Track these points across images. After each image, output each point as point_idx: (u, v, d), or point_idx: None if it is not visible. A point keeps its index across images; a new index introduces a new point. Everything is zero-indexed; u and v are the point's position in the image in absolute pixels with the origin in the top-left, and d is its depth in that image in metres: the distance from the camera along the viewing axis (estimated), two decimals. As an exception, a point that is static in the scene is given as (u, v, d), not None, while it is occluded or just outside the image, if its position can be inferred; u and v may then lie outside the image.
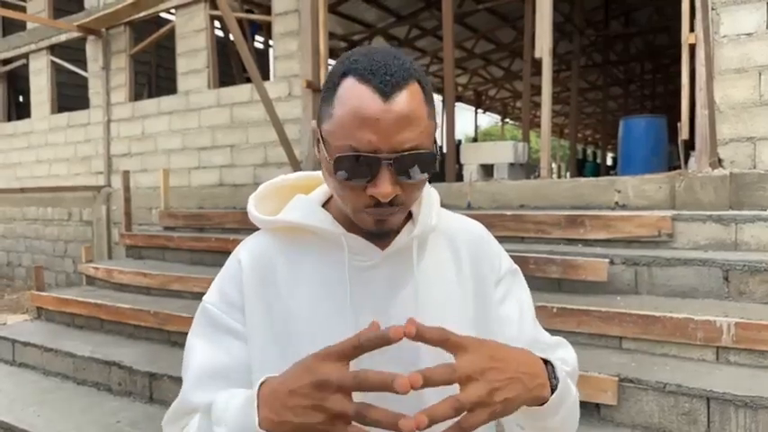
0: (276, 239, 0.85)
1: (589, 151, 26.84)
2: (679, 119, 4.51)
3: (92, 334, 4.50)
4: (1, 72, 10.37)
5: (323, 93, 0.75)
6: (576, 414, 0.81)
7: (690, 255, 3.21)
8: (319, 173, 0.84)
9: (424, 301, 0.80)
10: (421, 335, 0.59)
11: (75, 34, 8.60)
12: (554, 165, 20.75)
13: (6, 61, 10.25)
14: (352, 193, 0.73)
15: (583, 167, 15.05)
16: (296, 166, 5.94)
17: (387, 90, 0.68)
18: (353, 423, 0.59)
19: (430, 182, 0.85)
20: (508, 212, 4.18)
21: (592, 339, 2.96)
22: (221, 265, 0.88)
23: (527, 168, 7.59)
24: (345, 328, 0.75)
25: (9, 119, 10.57)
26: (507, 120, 24.39)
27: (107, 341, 4.24)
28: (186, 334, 0.86)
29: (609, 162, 18.12)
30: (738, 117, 4.14)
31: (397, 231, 0.81)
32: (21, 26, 10.05)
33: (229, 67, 8.89)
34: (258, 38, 11.84)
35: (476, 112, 19.98)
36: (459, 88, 17.64)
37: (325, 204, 0.85)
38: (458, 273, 0.86)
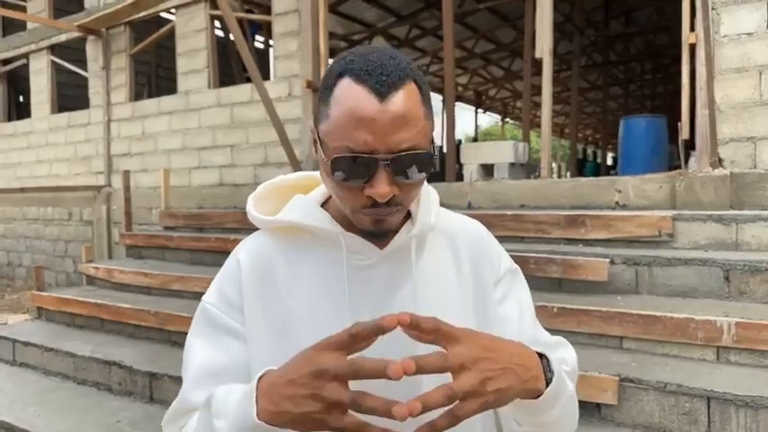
0: (275, 239, 0.85)
1: (589, 151, 26.86)
2: (679, 119, 4.51)
3: (92, 334, 4.50)
4: (1, 72, 10.38)
5: (319, 93, 0.75)
6: (575, 412, 0.81)
7: (690, 254, 3.21)
8: (318, 173, 0.84)
9: (423, 300, 0.80)
10: (415, 324, 0.60)
11: (76, 34, 8.60)
12: (554, 164, 20.76)
13: (6, 61, 10.25)
14: (349, 194, 0.73)
15: (583, 167, 15.05)
16: (296, 166, 5.94)
17: (383, 90, 0.68)
18: (350, 412, 0.59)
19: (430, 181, 0.85)
20: (508, 212, 4.18)
21: (592, 339, 2.96)
22: (221, 264, 0.88)
23: (527, 168, 7.59)
24: (344, 326, 0.75)
25: (9, 119, 10.57)
26: (507, 119, 24.39)
27: (107, 341, 4.24)
28: (186, 334, 0.86)
29: (609, 162, 18.12)
30: (739, 117, 4.14)
31: (396, 230, 0.81)
32: (21, 26, 10.06)
33: (229, 67, 8.89)
34: (258, 38, 11.84)
35: (476, 112, 19.98)
36: (460, 88, 17.64)
37: (324, 204, 0.85)
38: (457, 272, 0.86)
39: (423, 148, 0.71)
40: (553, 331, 0.94)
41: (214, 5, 7.20)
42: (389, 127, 0.68)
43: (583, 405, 2.55)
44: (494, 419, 0.84)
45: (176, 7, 7.73)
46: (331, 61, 0.77)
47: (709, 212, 3.54)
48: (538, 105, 16.74)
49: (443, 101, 8.60)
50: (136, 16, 8.07)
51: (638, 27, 12.81)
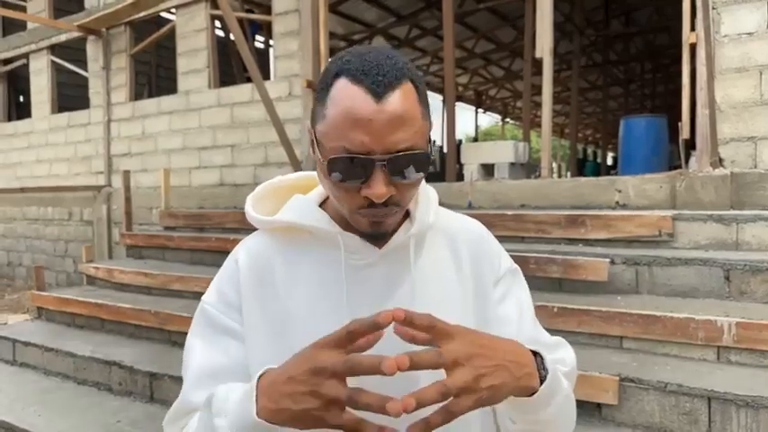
0: (274, 239, 0.85)
1: (589, 151, 26.85)
2: (679, 118, 4.51)
3: (92, 334, 4.50)
4: (1, 72, 10.38)
5: (316, 93, 0.75)
6: (572, 412, 0.81)
7: (691, 254, 3.21)
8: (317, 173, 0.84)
9: (422, 300, 0.80)
10: (409, 320, 0.60)
11: (76, 34, 8.60)
12: (554, 164, 20.75)
13: (7, 61, 10.25)
14: (346, 195, 0.73)
15: (583, 167, 15.04)
16: (296, 165, 5.94)
17: (379, 91, 0.68)
18: (347, 409, 0.59)
19: (430, 181, 0.84)
20: (509, 212, 4.18)
21: (592, 339, 2.96)
22: (222, 264, 0.88)
23: (528, 168, 7.59)
24: (341, 327, 0.75)
25: (9, 119, 10.57)
26: (508, 119, 24.40)
27: (108, 341, 4.25)
28: (187, 334, 0.87)
29: (609, 162, 18.11)
30: (739, 116, 4.14)
31: (395, 230, 0.81)
32: (21, 26, 10.06)
33: (230, 67, 8.89)
34: (258, 37, 11.85)
35: (476, 112, 19.98)
36: (460, 88, 17.64)
37: (323, 204, 0.85)
38: (457, 271, 0.86)
39: (420, 149, 0.71)
40: (553, 331, 0.94)
41: (214, 5, 7.20)
42: (386, 127, 0.68)
43: (583, 405, 2.56)
44: (493, 418, 0.84)
45: (176, 7, 7.73)
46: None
47: (709, 212, 3.54)
48: (538, 105, 16.75)
49: (444, 101, 8.60)
50: (136, 16, 8.07)
51: (639, 27, 12.81)
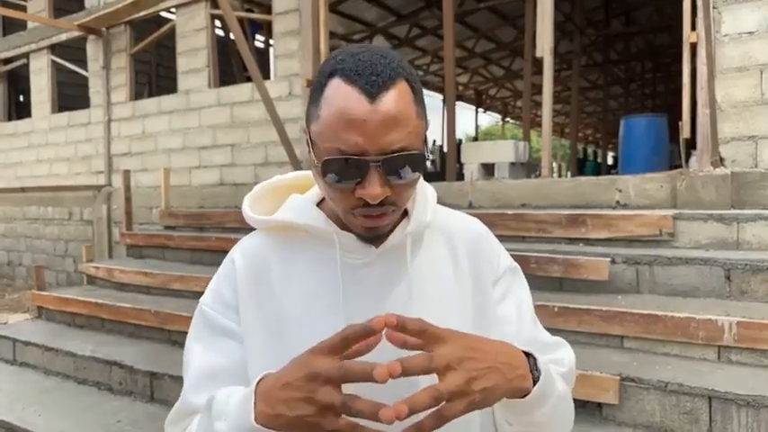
0: (270, 239, 0.85)
1: (590, 150, 26.82)
2: (680, 118, 4.50)
3: (92, 333, 4.50)
4: (1, 71, 10.38)
5: (311, 93, 0.75)
6: (568, 412, 0.81)
7: (691, 254, 3.21)
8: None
9: (419, 299, 0.79)
10: (402, 325, 0.60)
11: (76, 34, 8.60)
12: (555, 164, 20.74)
13: (7, 61, 10.25)
14: (341, 195, 0.73)
15: (583, 167, 15.03)
16: (296, 165, 5.94)
17: (373, 91, 0.68)
18: (343, 415, 0.60)
19: (430, 181, 0.84)
20: (509, 212, 4.18)
21: (593, 338, 2.96)
22: (222, 264, 0.88)
23: (528, 167, 7.58)
24: (338, 326, 0.75)
25: (9, 118, 10.57)
26: (508, 119, 24.38)
27: (108, 340, 4.25)
28: (187, 333, 0.87)
29: (609, 161, 18.10)
30: (740, 116, 4.14)
31: (392, 229, 0.81)
32: (21, 26, 10.06)
33: (230, 67, 8.88)
34: (259, 37, 11.84)
35: (476, 112, 19.96)
36: (460, 87, 17.64)
37: (320, 204, 0.85)
38: (455, 270, 0.86)
39: (415, 149, 0.71)
40: (554, 331, 0.94)
41: (214, 5, 7.20)
42: (380, 128, 0.68)
43: (584, 404, 2.56)
44: (492, 420, 0.84)
45: (176, 6, 7.72)
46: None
47: (710, 212, 3.54)
48: (538, 105, 16.75)
49: (444, 100, 8.60)
50: (136, 15, 8.07)
51: (639, 26, 12.80)
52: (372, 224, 0.74)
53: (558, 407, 0.74)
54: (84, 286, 5.48)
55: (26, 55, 9.77)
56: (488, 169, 7.17)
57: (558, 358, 0.87)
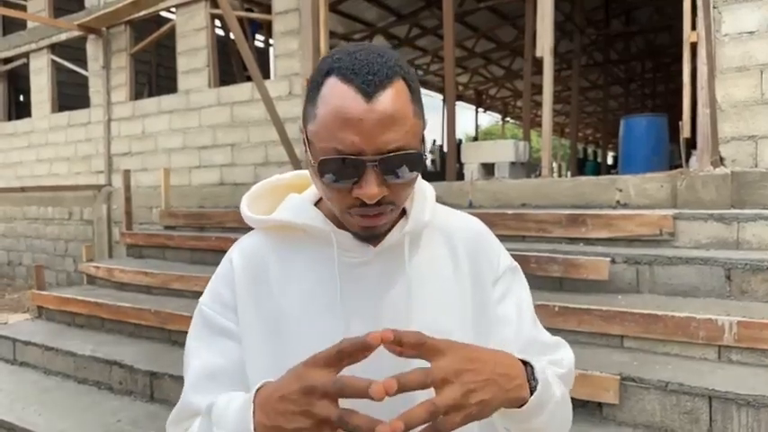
0: (268, 238, 0.85)
1: (590, 150, 26.82)
2: (680, 117, 4.50)
3: (92, 333, 4.50)
4: (1, 71, 10.37)
5: (308, 92, 0.74)
6: (566, 414, 0.80)
7: (691, 253, 3.21)
8: None
9: (417, 298, 0.79)
10: (398, 340, 0.60)
11: (76, 33, 8.60)
12: (555, 164, 20.73)
13: (7, 60, 10.25)
14: (338, 195, 0.72)
15: (583, 166, 15.03)
16: (296, 164, 5.93)
17: (369, 90, 0.67)
18: (339, 430, 0.60)
19: (430, 181, 0.84)
20: (509, 211, 4.18)
21: (593, 338, 2.96)
22: (222, 264, 0.88)
23: (528, 167, 7.58)
24: (335, 325, 0.76)
25: (9, 118, 10.57)
26: (508, 119, 24.37)
27: (108, 340, 4.25)
28: (187, 333, 0.87)
29: (609, 161, 18.09)
30: (740, 115, 4.14)
31: (390, 228, 0.80)
32: (21, 25, 10.05)
33: (230, 66, 8.88)
34: (258, 37, 11.84)
35: (476, 112, 19.96)
36: (460, 87, 17.63)
37: (318, 203, 0.85)
38: (455, 270, 0.85)
39: (412, 148, 0.70)
40: (554, 330, 0.94)
41: (214, 4, 7.20)
42: (377, 127, 0.67)
43: (584, 404, 2.56)
44: (490, 425, 0.84)
45: (176, 6, 7.72)
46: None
47: (710, 211, 3.54)
48: (538, 104, 16.75)
49: (444, 100, 8.59)
50: (136, 15, 8.06)
51: (639, 26, 12.80)
52: (369, 223, 0.73)
53: (555, 412, 0.74)
54: (84, 286, 5.48)
55: (26, 54, 9.77)
56: (488, 169, 7.16)
57: (558, 359, 0.86)
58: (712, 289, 3.04)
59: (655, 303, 2.96)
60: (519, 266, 0.93)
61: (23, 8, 9.98)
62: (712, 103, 4.13)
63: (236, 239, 0.92)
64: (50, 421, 3.26)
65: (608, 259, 3.27)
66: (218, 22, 7.96)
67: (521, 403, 0.68)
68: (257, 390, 0.67)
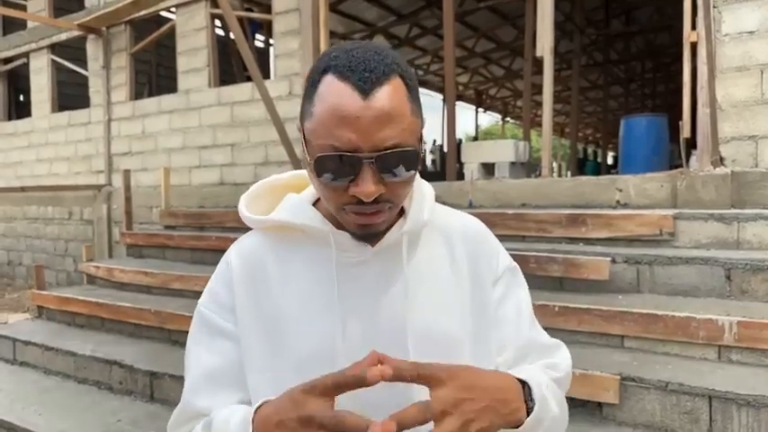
0: (266, 238, 0.85)
1: (590, 150, 26.81)
2: (680, 117, 4.50)
3: (93, 333, 4.50)
4: (1, 71, 10.37)
5: (305, 90, 0.74)
6: (562, 424, 0.81)
7: (692, 253, 3.21)
8: None
9: (415, 298, 0.79)
10: (398, 375, 0.60)
11: (76, 33, 8.60)
12: (555, 164, 20.72)
13: (7, 60, 10.25)
14: (334, 193, 0.72)
15: (583, 166, 15.03)
16: (296, 164, 5.93)
17: (366, 87, 0.67)
18: None
19: (430, 180, 0.84)
20: (509, 211, 4.17)
21: (593, 338, 2.96)
22: (221, 264, 0.88)
23: (528, 167, 7.58)
24: (333, 325, 0.75)
25: (9, 118, 10.57)
26: (508, 119, 24.36)
27: (108, 340, 4.24)
28: (186, 332, 0.87)
29: (609, 161, 18.09)
30: (740, 115, 4.14)
31: (389, 227, 0.80)
32: (21, 25, 10.05)
33: (230, 66, 8.88)
34: (259, 36, 11.83)
35: (476, 111, 19.95)
36: (460, 87, 17.63)
37: (317, 203, 0.85)
38: (454, 269, 0.85)
39: (409, 146, 0.70)
40: (554, 330, 0.94)
41: (214, 4, 7.20)
42: (373, 125, 0.67)
43: (584, 404, 2.56)
44: None
45: (176, 6, 7.72)
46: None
47: (710, 211, 3.54)
48: (538, 104, 16.74)
49: (444, 100, 8.59)
50: (136, 15, 8.06)
51: (639, 26, 12.79)
52: (366, 221, 0.73)
53: (552, 428, 0.75)
54: (84, 286, 5.48)
55: (26, 54, 9.77)
56: (488, 169, 7.16)
57: (555, 362, 0.87)
58: (712, 289, 3.04)
59: (655, 303, 2.96)
60: (518, 267, 0.93)
61: (23, 8, 9.98)
62: (712, 102, 4.13)
63: (235, 239, 0.92)
64: (50, 421, 3.26)
65: (608, 259, 3.27)
66: (218, 22, 7.96)
67: (517, 424, 0.69)
68: (256, 408, 0.67)
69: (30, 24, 9.64)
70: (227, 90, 7.32)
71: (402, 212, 0.83)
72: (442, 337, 0.79)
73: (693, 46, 4.27)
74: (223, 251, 0.89)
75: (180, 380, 0.82)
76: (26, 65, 9.85)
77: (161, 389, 3.48)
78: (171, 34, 7.88)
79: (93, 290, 5.14)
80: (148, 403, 3.48)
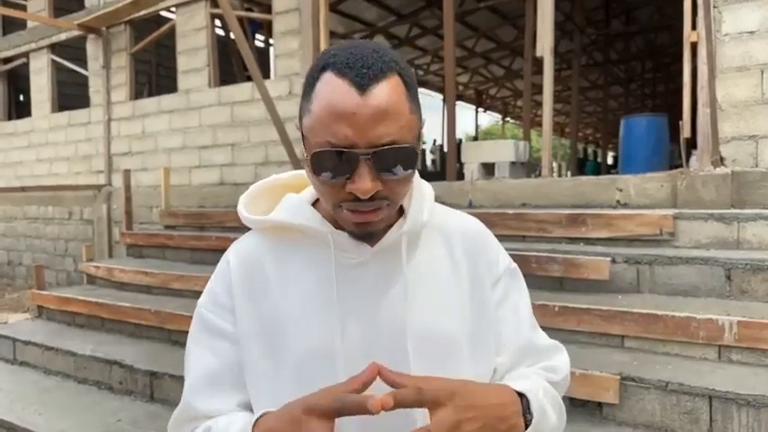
0: (265, 239, 0.85)
1: (590, 150, 26.82)
2: (680, 117, 4.50)
3: (93, 333, 4.50)
4: (1, 71, 10.37)
5: (304, 88, 0.74)
6: (559, 428, 0.82)
7: (692, 253, 3.21)
8: None
9: (414, 299, 0.79)
10: (400, 402, 0.61)
11: (76, 33, 8.60)
12: (555, 164, 20.72)
13: (7, 60, 10.25)
14: (331, 190, 0.72)
15: (583, 166, 15.04)
16: (296, 164, 5.93)
17: (363, 83, 0.67)
18: None
19: (430, 180, 0.83)
20: (510, 211, 4.17)
21: (593, 338, 2.96)
22: (222, 264, 0.88)
23: (528, 167, 7.58)
24: (332, 326, 0.75)
25: (9, 118, 10.57)
26: (508, 119, 24.37)
27: (108, 340, 4.24)
28: (187, 332, 0.87)
29: (609, 161, 18.09)
30: (740, 115, 4.14)
31: (388, 228, 0.80)
32: (21, 25, 10.05)
33: (230, 66, 8.88)
34: (259, 36, 11.83)
35: (476, 111, 19.95)
36: (460, 87, 17.63)
37: (316, 203, 0.84)
38: (453, 270, 0.85)
39: (406, 143, 0.69)
40: (555, 330, 0.94)
41: (214, 4, 7.20)
42: (370, 121, 0.67)
43: (584, 404, 2.56)
44: None
45: (176, 6, 7.72)
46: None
47: (710, 211, 3.54)
48: (538, 104, 16.74)
49: (444, 100, 8.58)
50: (136, 15, 8.06)
51: (639, 26, 12.79)
52: (363, 219, 0.72)
53: None
54: (84, 286, 5.48)
55: (26, 54, 9.77)
56: (488, 169, 7.16)
57: (554, 365, 0.87)
58: (712, 289, 3.04)
59: (655, 303, 2.96)
60: (518, 268, 0.93)
61: (23, 8, 9.98)
62: (712, 102, 4.13)
63: (236, 239, 0.91)
64: (50, 421, 3.26)
65: (608, 259, 3.27)
66: (218, 22, 7.96)
67: None
68: (256, 420, 0.68)
69: (30, 24, 9.63)
70: (227, 90, 7.32)
71: (402, 213, 0.83)
72: (441, 337, 0.79)
73: (694, 46, 4.27)
74: (223, 251, 0.89)
75: (180, 380, 0.82)
76: (26, 65, 9.85)
77: (161, 389, 3.48)
78: (171, 34, 7.87)
79: (93, 290, 5.14)
80: (148, 403, 3.48)
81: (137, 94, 8.66)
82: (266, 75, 7.21)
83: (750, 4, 4.08)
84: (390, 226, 0.80)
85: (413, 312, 0.77)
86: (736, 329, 2.58)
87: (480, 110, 20.65)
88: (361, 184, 0.68)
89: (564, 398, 0.86)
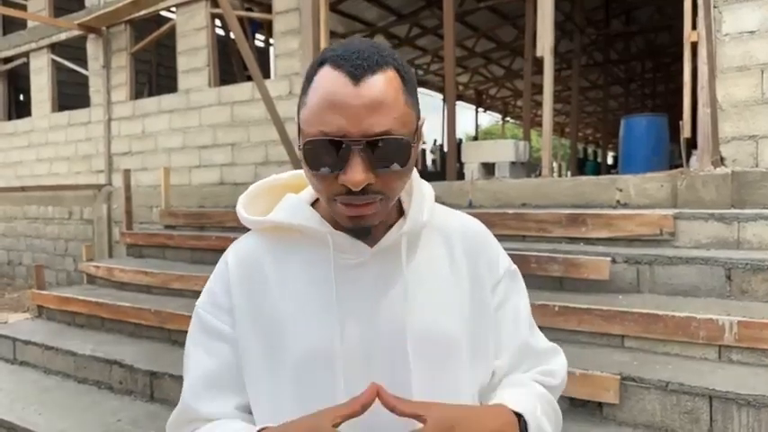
0: (264, 239, 0.85)
1: (590, 150, 26.81)
2: (680, 117, 4.50)
3: (93, 332, 4.49)
4: (2, 71, 10.37)
5: (303, 83, 0.74)
6: None
7: (692, 253, 3.20)
8: None
9: (414, 299, 0.79)
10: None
11: (76, 33, 8.59)
12: (555, 164, 20.71)
13: (7, 60, 10.25)
14: (324, 182, 0.71)
15: (584, 166, 15.03)
16: (297, 164, 5.93)
17: (357, 74, 0.67)
18: None
19: (430, 180, 0.83)
20: (510, 211, 4.17)
21: (593, 338, 2.95)
22: (221, 264, 0.88)
23: (528, 167, 7.58)
24: (331, 327, 0.75)
25: (10, 117, 10.57)
26: (508, 119, 24.37)
27: (108, 340, 4.24)
28: (186, 332, 0.87)
29: (609, 161, 18.09)
30: (741, 115, 4.14)
31: (389, 228, 0.80)
32: (21, 25, 10.05)
33: (230, 66, 8.88)
34: (259, 36, 11.83)
35: (476, 111, 19.95)
36: (460, 87, 17.63)
37: (315, 203, 0.84)
38: (453, 270, 0.85)
39: (400, 134, 0.69)
40: (554, 330, 0.94)
41: (214, 4, 7.20)
42: (363, 110, 0.67)
43: (584, 404, 2.56)
44: None
45: (177, 6, 7.72)
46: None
47: (710, 211, 3.53)
48: (538, 104, 16.74)
49: (444, 100, 8.58)
50: (136, 15, 8.06)
51: (639, 26, 12.79)
52: (356, 213, 0.72)
53: None
54: (84, 285, 5.48)
55: (26, 54, 9.76)
56: (489, 169, 7.15)
57: (551, 369, 0.88)
58: (713, 289, 3.04)
59: (655, 303, 2.96)
60: (517, 269, 0.93)
61: (23, 8, 9.98)
62: (713, 102, 4.13)
63: (235, 239, 0.91)
64: (50, 421, 3.26)
65: (608, 259, 3.27)
66: (218, 22, 7.96)
67: None
68: None
69: (30, 24, 9.63)
70: (227, 90, 7.32)
71: (401, 213, 0.83)
72: (441, 337, 0.79)
73: (694, 46, 4.26)
74: (223, 251, 0.89)
75: (180, 380, 0.82)
76: (26, 64, 9.85)
77: (161, 389, 3.48)
78: (171, 34, 7.88)
79: (93, 290, 5.14)
80: (148, 403, 3.48)
81: (137, 93, 8.66)
82: (266, 74, 7.21)
83: (750, 4, 4.08)
84: (390, 226, 0.80)
85: (412, 313, 0.77)
86: (736, 329, 2.58)
87: (480, 110, 20.64)
88: (353, 175, 0.67)
89: (564, 398, 0.86)
